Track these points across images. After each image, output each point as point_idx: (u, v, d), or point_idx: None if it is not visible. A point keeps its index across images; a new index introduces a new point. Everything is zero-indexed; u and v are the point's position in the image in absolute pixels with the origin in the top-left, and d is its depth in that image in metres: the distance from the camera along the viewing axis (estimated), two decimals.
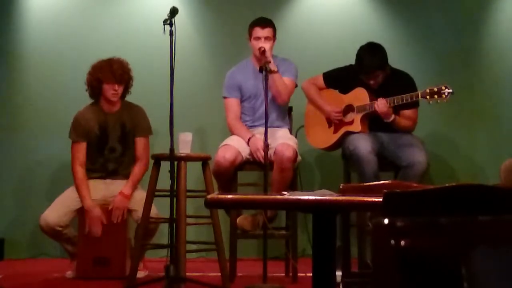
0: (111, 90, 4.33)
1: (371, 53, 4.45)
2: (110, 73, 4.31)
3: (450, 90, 4.22)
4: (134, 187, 4.32)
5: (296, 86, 4.53)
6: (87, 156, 4.41)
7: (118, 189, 4.33)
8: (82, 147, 4.37)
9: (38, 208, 4.89)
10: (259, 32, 4.41)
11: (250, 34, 4.45)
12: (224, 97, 4.55)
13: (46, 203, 4.48)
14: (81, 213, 4.31)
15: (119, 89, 4.35)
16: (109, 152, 4.41)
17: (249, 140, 4.31)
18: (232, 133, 4.48)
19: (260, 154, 4.20)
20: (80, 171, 4.33)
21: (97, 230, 4.24)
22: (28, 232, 5.19)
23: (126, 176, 4.37)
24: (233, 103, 4.51)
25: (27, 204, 5.25)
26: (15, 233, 5.23)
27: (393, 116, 4.41)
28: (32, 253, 5.19)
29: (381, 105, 4.35)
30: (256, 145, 4.23)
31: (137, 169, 4.34)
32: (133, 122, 4.41)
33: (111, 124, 4.40)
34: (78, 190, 4.31)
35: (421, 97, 4.29)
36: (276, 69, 4.25)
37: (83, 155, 4.37)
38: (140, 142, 4.40)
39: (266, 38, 4.39)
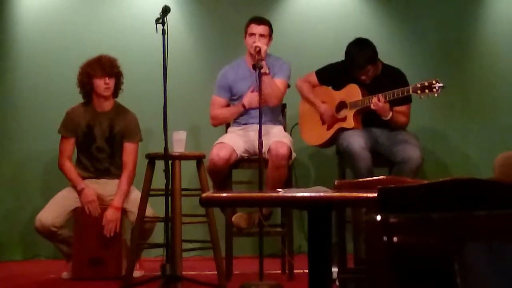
0: (103, 84, 4.34)
1: (360, 48, 4.45)
2: (99, 67, 4.32)
3: (441, 85, 4.22)
4: (124, 197, 4.30)
5: (289, 86, 4.53)
6: (77, 154, 4.42)
7: (113, 188, 4.33)
8: (69, 142, 4.40)
9: (31, 209, 4.90)
10: (254, 28, 4.41)
11: (246, 31, 4.45)
12: (213, 95, 4.56)
13: (40, 204, 4.48)
14: (76, 213, 4.31)
15: (111, 82, 4.35)
16: (97, 151, 4.41)
17: (243, 105, 4.36)
18: (222, 119, 4.50)
19: (256, 96, 4.16)
20: (67, 162, 4.37)
21: (95, 208, 4.26)
22: (22, 233, 5.18)
23: (119, 176, 4.36)
24: (219, 101, 4.52)
25: (20, 206, 5.23)
26: (9, 235, 5.21)
27: (391, 114, 4.41)
28: (26, 255, 5.18)
29: (377, 104, 4.34)
30: (251, 101, 4.26)
31: (123, 180, 4.32)
32: (123, 126, 4.40)
33: (99, 123, 4.40)
34: (68, 176, 4.34)
35: (412, 91, 4.29)
36: (267, 71, 4.25)
37: (70, 150, 4.40)
38: (127, 147, 4.39)
39: (261, 35, 4.38)
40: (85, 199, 4.26)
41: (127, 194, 4.33)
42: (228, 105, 4.54)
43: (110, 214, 4.25)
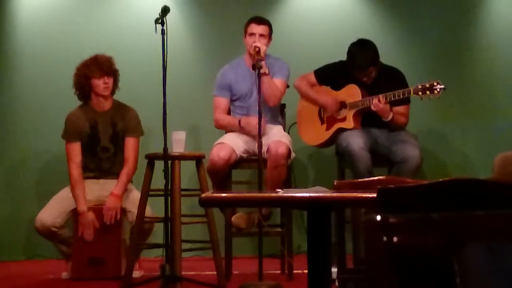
0: (102, 84, 4.33)
1: (363, 49, 4.45)
2: (97, 67, 4.31)
3: (442, 86, 4.22)
4: (125, 187, 4.30)
5: (288, 86, 4.53)
6: (82, 156, 4.41)
7: (113, 187, 4.32)
8: (76, 147, 4.36)
9: (30, 209, 4.89)
10: (254, 28, 4.41)
11: (245, 31, 4.45)
12: (214, 95, 4.56)
13: (39, 204, 4.47)
14: (76, 213, 4.30)
15: (110, 81, 4.35)
16: (102, 151, 4.40)
17: (240, 123, 4.32)
18: (220, 126, 4.49)
19: (254, 127, 4.15)
20: (76, 173, 4.31)
21: (90, 234, 4.23)
22: (22, 233, 5.17)
23: (119, 176, 4.36)
24: (221, 102, 4.52)
25: (19, 205, 5.22)
26: (8, 235, 5.20)
27: (391, 115, 4.41)
28: (26, 255, 5.17)
29: (377, 105, 4.34)
30: (248, 122, 4.23)
31: (124, 171, 4.32)
32: (124, 122, 4.40)
33: (102, 123, 4.39)
34: (73, 191, 4.29)
35: (413, 93, 4.29)
36: (267, 71, 4.25)
37: (78, 155, 4.35)
38: (129, 142, 4.39)
39: (261, 35, 4.38)
40: (82, 222, 4.23)
41: (127, 184, 4.32)
42: (229, 105, 4.53)
43: (110, 202, 4.24)
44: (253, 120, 4.18)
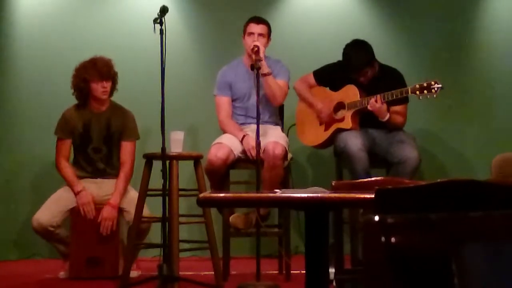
0: (100, 88, 4.32)
1: (357, 50, 4.46)
2: (96, 71, 4.30)
3: (440, 85, 4.23)
4: (122, 196, 4.31)
5: (289, 87, 4.53)
6: (74, 155, 4.42)
7: (110, 188, 4.33)
8: (66, 144, 4.39)
9: (27, 209, 4.89)
10: (253, 27, 4.41)
11: (244, 31, 4.45)
12: (215, 95, 4.55)
13: (36, 203, 4.47)
14: (73, 213, 4.30)
15: (108, 86, 4.35)
16: (93, 152, 4.40)
17: (242, 139, 4.32)
18: (224, 132, 4.48)
19: (254, 153, 4.21)
20: (64, 162, 4.36)
21: (90, 211, 4.25)
22: (19, 232, 5.17)
23: (115, 176, 4.36)
24: (224, 101, 4.51)
25: (15, 205, 5.22)
26: (5, 235, 5.20)
27: (388, 115, 4.41)
28: (23, 254, 5.17)
29: (374, 105, 4.35)
30: (251, 144, 4.23)
31: (121, 177, 4.32)
32: (120, 125, 4.40)
33: (95, 124, 4.39)
34: (64, 177, 4.33)
35: (411, 92, 4.29)
36: (270, 71, 4.26)
37: (67, 151, 4.40)
38: (125, 146, 4.39)
39: (260, 34, 4.38)
40: (80, 201, 4.26)
41: (124, 192, 4.33)
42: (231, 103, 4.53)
43: (107, 212, 4.24)
44: (252, 142, 4.16)
